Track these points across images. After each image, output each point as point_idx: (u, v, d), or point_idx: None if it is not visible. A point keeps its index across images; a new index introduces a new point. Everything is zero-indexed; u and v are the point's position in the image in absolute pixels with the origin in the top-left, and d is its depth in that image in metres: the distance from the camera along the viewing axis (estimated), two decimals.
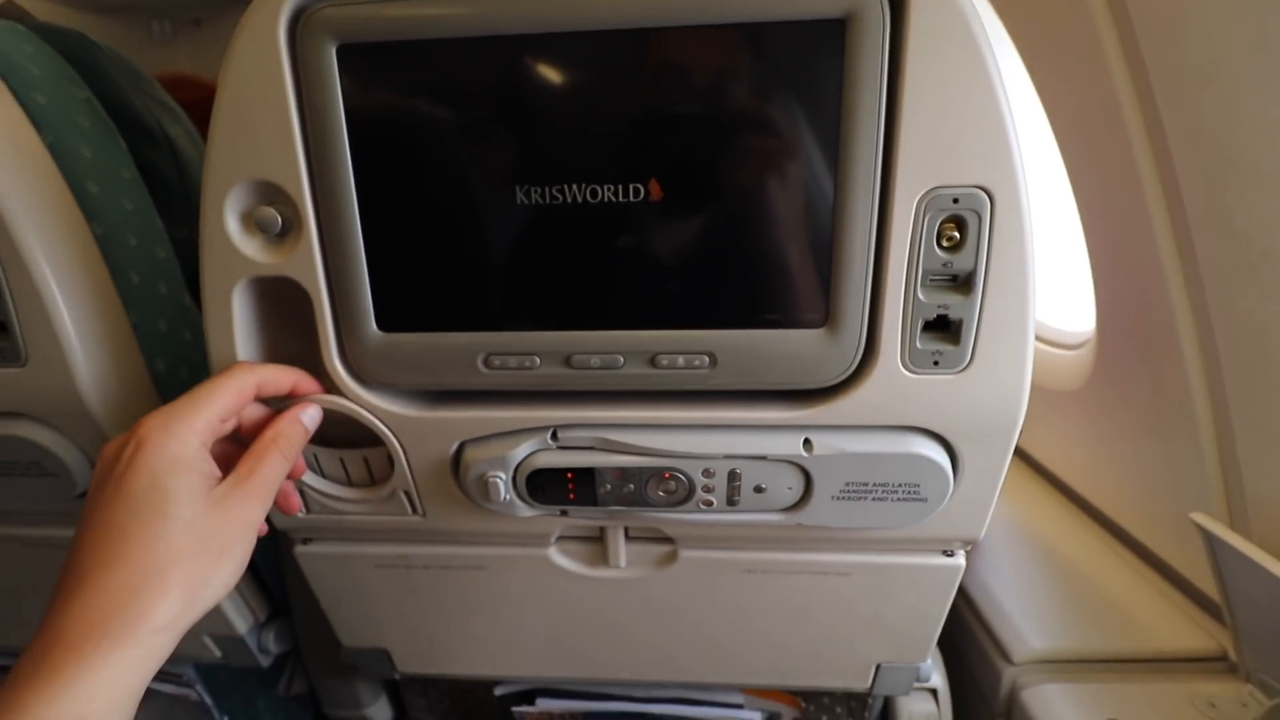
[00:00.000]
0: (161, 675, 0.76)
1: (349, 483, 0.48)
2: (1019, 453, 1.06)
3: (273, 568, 0.67)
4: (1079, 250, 0.77)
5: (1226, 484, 0.66)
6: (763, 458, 0.42)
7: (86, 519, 0.33)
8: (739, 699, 0.66)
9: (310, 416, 0.41)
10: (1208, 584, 0.74)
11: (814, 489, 0.43)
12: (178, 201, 0.62)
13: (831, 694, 0.66)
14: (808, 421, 0.41)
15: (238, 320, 0.42)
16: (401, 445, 0.44)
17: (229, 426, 0.38)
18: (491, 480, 0.43)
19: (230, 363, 0.43)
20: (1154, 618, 0.75)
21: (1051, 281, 0.93)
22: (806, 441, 0.41)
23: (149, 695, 0.74)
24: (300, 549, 0.53)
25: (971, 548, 0.49)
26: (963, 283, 0.37)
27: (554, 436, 0.43)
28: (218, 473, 0.36)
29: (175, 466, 0.33)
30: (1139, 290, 0.71)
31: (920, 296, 0.38)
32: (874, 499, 0.43)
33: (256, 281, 0.42)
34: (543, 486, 0.44)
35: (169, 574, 0.32)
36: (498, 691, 0.68)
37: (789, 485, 0.43)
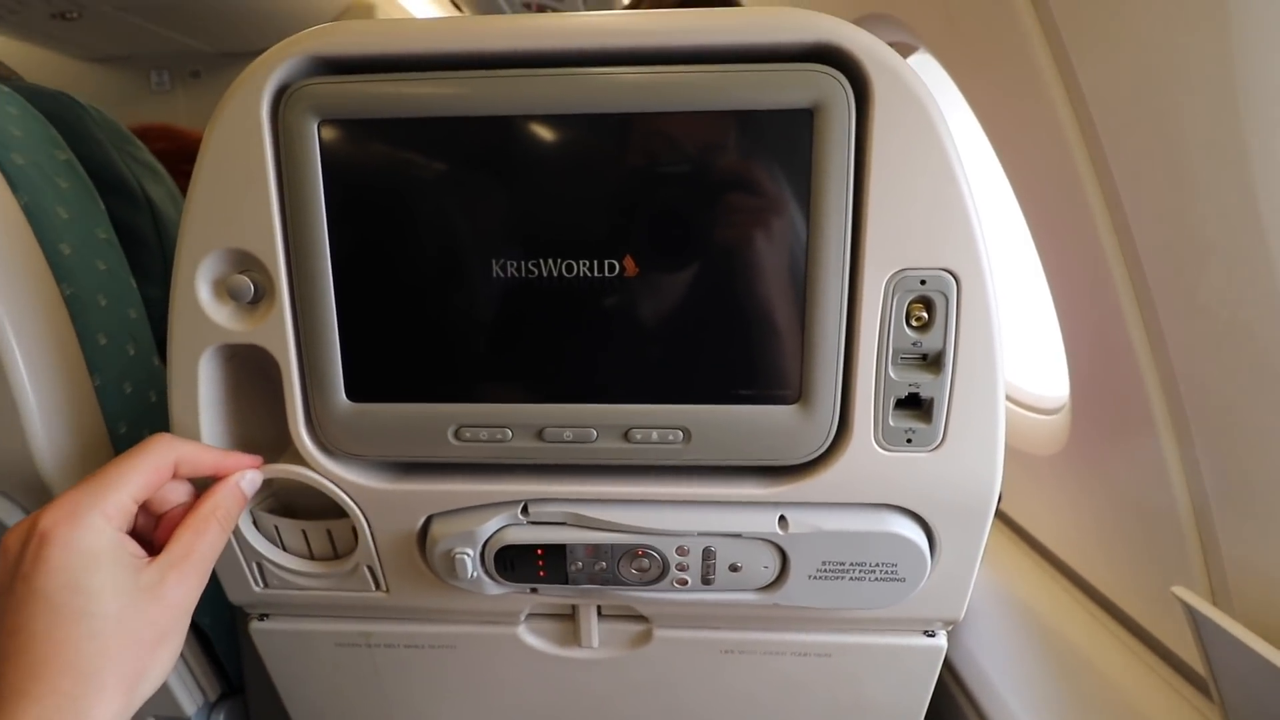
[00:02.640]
0: None
1: (310, 555, 0.46)
2: (1002, 517, 1.05)
3: (229, 643, 0.63)
4: (1052, 319, 0.79)
5: (1205, 556, 0.66)
6: (738, 535, 0.41)
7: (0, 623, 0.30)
8: None
9: (250, 482, 0.38)
10: (1194, 658, 0.73)
11: (790, 568, 0.42)
12: (154, 261, 0.61)
13: None
14: (783, 499, 0.40)
15: (203, 388, 0.41)
16: (366, 518, 0.43)
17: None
18: (459, 557, 0.42)
19: (190, 431, 0.42)
20: (1143, 695, 0.73)
21: (1028, 346, 0.95)
22: (782, 519, 0.41)
23: None
24: (256, 625, 0.50)
25: (953, 627, 0.48)
26: (932, 361, 0.38)
27: (524, 511, 0.42)
28: (142, 553, 0.33)
29: (93, 561, 0.30)
30: (1109, 362, 0.72)
31: (891, 375, 0.38)
32: (851, 578, 0.42)
33: (224, 348, 0.41)
34: (512, 563, 0.42)
35: (104, 675, 0.30)
36: None
37: (765, 564, 0.42)
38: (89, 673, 0.29)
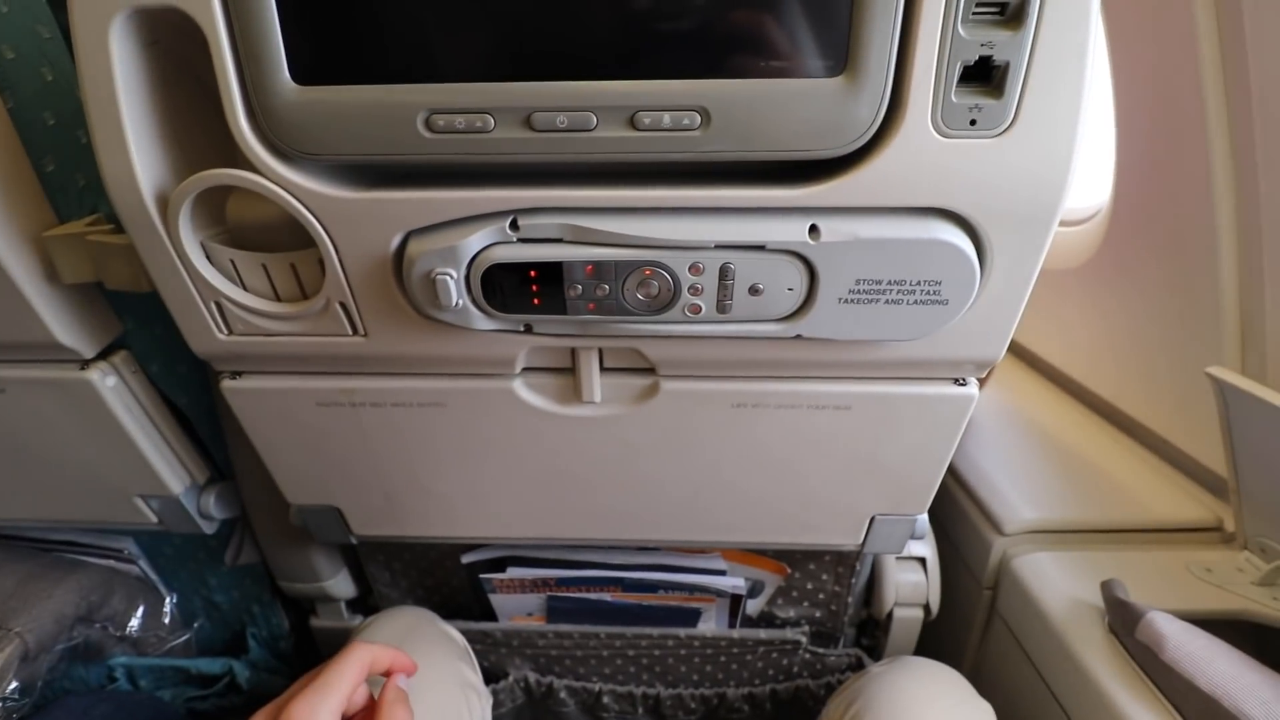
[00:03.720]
0: (99, 550, 0.71)
1: (275, 296, 0.41)
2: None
3: (212, 431, 0.61)
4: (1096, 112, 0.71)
5: (1244, 338, 0.62)
6: (760, 247, 0.35)
7: None
8: (722, 566, 0.63)
9: (404, 682, 0.44)
10: (1205, 454, 0.72)
11: (819, 289, 0.37)
12: None
13: (819, 559, 0.63)
14: (815, 203, 0.35)
15: (120, 72, 0.34)
16: (332, 238, 0.37)
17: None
18: (440, 278, 0.37)
19: (115, 132, 0.35)
20: (1148, 491, 0.72)
21: None
22: (813, 228, 0.35)
23: (78, 568, 0.67)
24: (228, 384, 0.46)
25: (985, 376, 0.44)
26: (1013, 14, 0.31)
27: (514, 225, 0.36)
28: None
29: None
30: (1171, 151, 0.65)
31: (961, 31, 0.31)
32: (887, 301, 0.37)
33: (141, 22, 0.33)
34: (502, 288, 0.37)
35: None
36: (465, 559, 0.63)
37: (789, 285, 0.37)
38: None
